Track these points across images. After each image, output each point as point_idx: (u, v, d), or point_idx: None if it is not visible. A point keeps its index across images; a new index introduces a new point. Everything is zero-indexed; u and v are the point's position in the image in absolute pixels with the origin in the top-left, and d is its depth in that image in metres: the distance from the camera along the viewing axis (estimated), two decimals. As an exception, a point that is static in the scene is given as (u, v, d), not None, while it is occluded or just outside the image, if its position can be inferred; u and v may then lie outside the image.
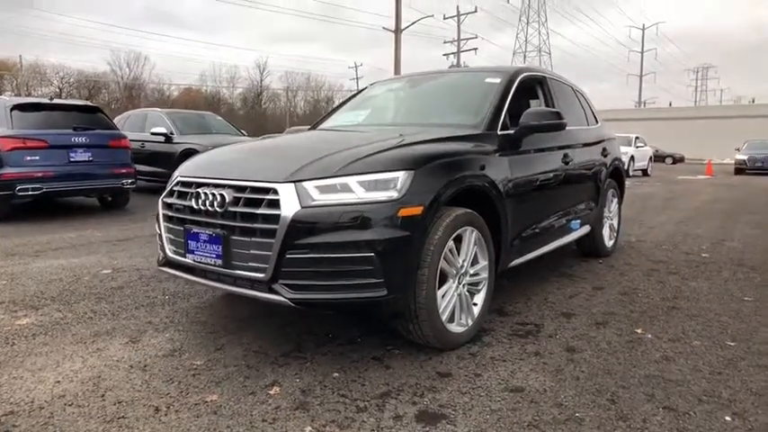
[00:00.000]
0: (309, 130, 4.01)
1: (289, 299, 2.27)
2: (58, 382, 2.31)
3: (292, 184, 2.32)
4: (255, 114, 64.08)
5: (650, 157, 19.73)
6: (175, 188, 2.77)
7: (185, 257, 2.61)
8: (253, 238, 2.35)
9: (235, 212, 2.41)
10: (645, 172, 19.13)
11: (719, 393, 2.22)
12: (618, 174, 4.93)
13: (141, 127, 9.84)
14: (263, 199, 2.34)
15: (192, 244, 2.56)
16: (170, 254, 2.74)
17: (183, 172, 2.82)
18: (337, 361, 2.53)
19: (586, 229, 4.33)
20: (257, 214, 2.33)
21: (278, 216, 2.27)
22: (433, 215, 2.43)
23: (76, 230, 6.08)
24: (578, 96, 4.60)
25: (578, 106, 4.50)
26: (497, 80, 3.51)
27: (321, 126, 3.97)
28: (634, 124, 34.69)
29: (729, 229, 6.52)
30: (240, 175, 2.50)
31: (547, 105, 3.89)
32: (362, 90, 4.34)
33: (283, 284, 2.29)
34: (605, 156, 4.56)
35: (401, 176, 2.35)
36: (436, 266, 2.45)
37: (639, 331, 2.94)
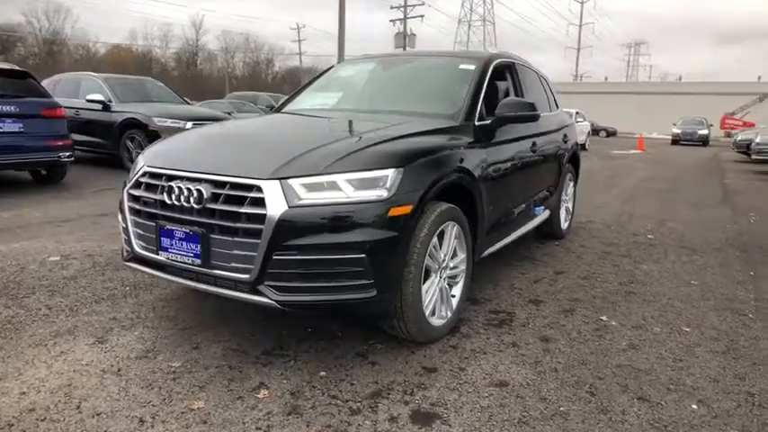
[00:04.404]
0: (276, 111, 3.85)
1: (276, 301, 2.21)
2: (24, 393, 2.16)
3: (277, 182, 2.22)
4: (192, 76, 60.92)
5: (588, 132, 20.54)
6: (142, 179, 2.58)
7: (158, 255, 2.47)
8: (235, 238, 2.25)
9: (214, 210, 2.29)
10: (583, 146, 19.90)
11: (684, 381, 2.39)
12: (575, 158, 5.10)
13: (74, 93, 9.12)
14: (246, 197, 2.24)
15: (166, 241, 2.43)
16: (138, 249, 2.58)
17: (151, 161, 2.63)
18: (321, 358, 2.51)
19: (547, 213, 4.47)
20: (240, 213, 2.23)
21: (263, 216, 2.18)
22: (421, 213, 2.42)
23: (10, 210, 5.61)
24: (542, 82, 4.67)
25: (543, 92, 4.57)
26: (472, 67, 3.49)
27: (289, 108, 3.81)
28: (572, 97, 35.87)
29: (668, 210, 6.94)
30: (218, 169, 2.37)
31: (516, 92, 3.92)
32: (329, 69, 4.19)
33: (269, 286, 2.22)
34: (566, 142, 4.69)
35: (390, 174, 2.31)
36: (422, 263, 2.46)
37: (605, 318, 3.10)
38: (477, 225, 2.99)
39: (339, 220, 2.20)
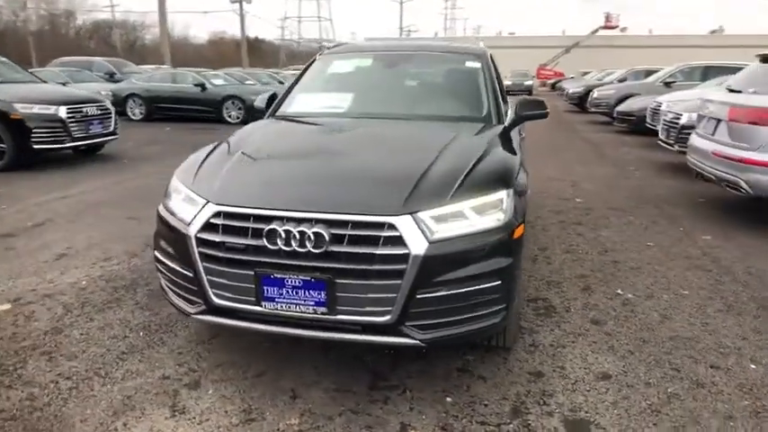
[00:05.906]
0: (272, 114, 3.48)
1: (421, 340, 2.13)
2: (156, 498, 1.81)
3: (410, 217, 2.10)
4: (-30, 32, 49.80)
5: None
6: (216, 221, 2.21)
7: (259, 306, 2.18)
8: (369, 281, 2.08)
9: (339, 253, 2.08)
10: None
11: (726, 343, 2.85)
12: (521, 136, 5.47)
13: None
14: (379, 236, 2.07)
15: (273, 291, 2.14)
16: (219, 300, 2.24)
17: (222, 199, 2.25)
18: (431, 383, 2.47)
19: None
20: (375, 254, 2.07)
21: (405, 255, 2.05)
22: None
23: None
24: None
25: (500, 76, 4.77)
26: (477, 65, 3.55)
27: (294, 110, 3.45)
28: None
29: (568, 169, 7.82)
30: (330, 206, 2.13)
31: (498, 81, 4.05)
32: (313, 63, 3.84)
33: (412, 326, 2.12)
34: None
35: (505, 196, 2.31)
36: (520, 275, 2.54)
37: (620, 292, 3.50)
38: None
39: (474, 249, 2.17)
